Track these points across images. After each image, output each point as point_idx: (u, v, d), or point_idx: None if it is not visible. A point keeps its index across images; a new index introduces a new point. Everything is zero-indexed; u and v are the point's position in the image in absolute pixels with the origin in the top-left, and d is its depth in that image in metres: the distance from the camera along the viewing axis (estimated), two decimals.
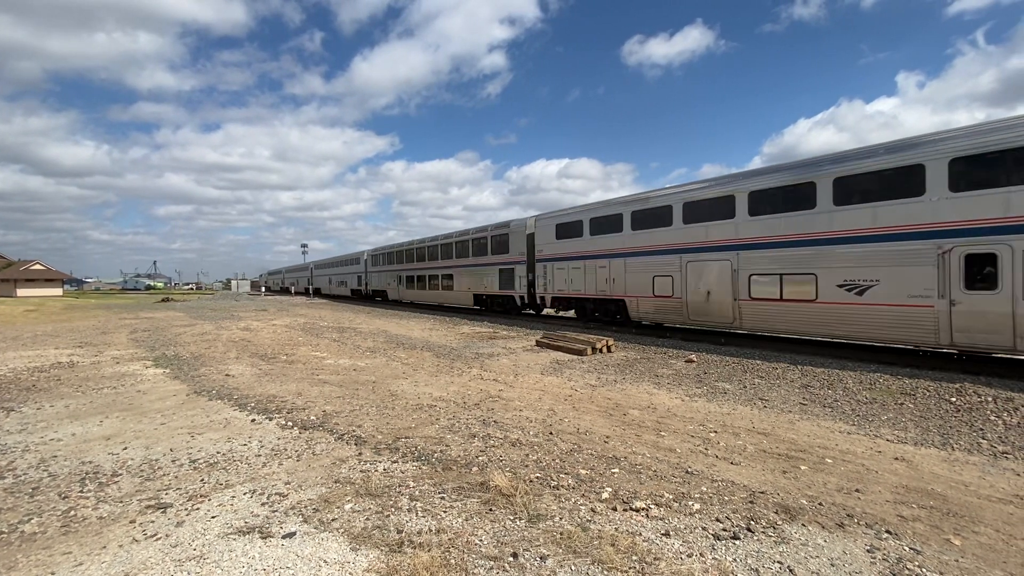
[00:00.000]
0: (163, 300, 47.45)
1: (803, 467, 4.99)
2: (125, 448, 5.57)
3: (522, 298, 21.10)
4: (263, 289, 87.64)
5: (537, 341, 14.14)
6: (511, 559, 3.25)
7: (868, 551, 3.39)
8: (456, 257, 26.39)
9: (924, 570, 3.16)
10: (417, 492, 4.30)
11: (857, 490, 4.43)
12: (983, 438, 5.93)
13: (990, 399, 7.25)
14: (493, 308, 24.16)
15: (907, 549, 3.42)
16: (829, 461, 5.17)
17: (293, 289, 69.14)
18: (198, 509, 4.04)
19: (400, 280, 33.96)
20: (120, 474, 4.82)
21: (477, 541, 3.48)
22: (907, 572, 3.13)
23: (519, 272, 21.12)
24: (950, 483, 4.64)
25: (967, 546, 3.50)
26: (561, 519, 3.80)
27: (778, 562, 3.24)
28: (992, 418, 6.58)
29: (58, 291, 61.36)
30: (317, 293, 58.96)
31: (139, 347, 14.22)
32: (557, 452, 5.36)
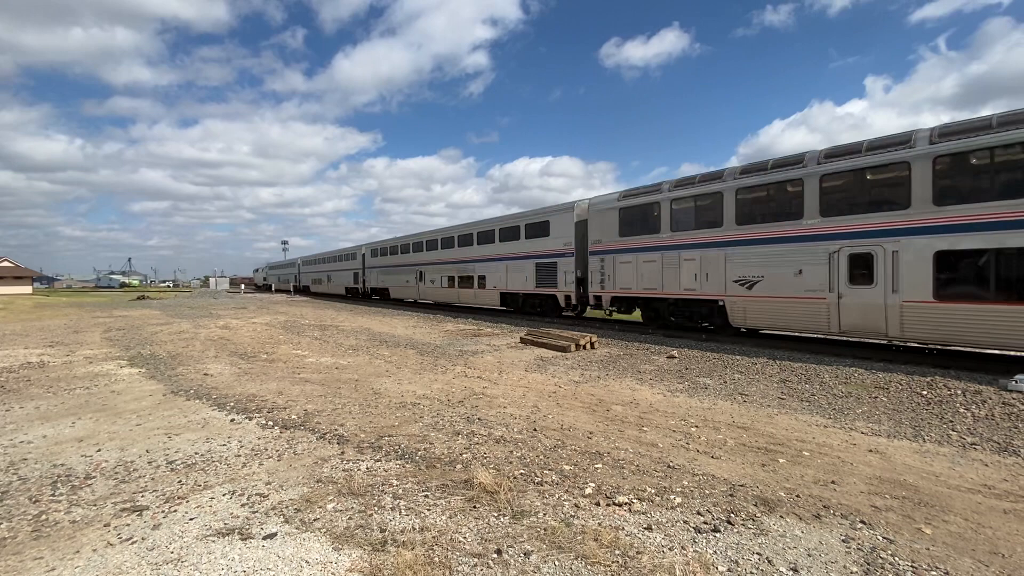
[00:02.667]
0: (139, 298, 46.32)
1: (781, 460, 5.09)
2: (99, 450, 5.42)
3: None
4: (242, 287, 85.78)
5: (521, 338, 14.17)
6: (495, 556, 3.25)
7: (843, 541, 3.48)
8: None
9: (897, 559, 3.25)
10: (400, 490, 4.28)
11: (833, 482, 4.54)
12: (953, 430, 6.12)
13: (959, 392, 7.48)
14: None
15: (880, 539, 3.52)
16: (806, 454, 5.28)
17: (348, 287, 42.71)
18: (175, 511, 3.95)
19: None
20: (94, 476, 4.69)
21: (461, 538, 3.48)
22: (880, 561, 3.22)
23: None
24: (921, 474, 4.78)
25: (938, 535, 3.61)
26: (545, 515, 3.82)
27: (757, 553, 3.31)
28: (961, 411, 6.80)
29: (27, 289, 59.57)
30: (375, 296, 37.45)
31: (113, 346, 13.84)
32: (541, 448, 5.38)
